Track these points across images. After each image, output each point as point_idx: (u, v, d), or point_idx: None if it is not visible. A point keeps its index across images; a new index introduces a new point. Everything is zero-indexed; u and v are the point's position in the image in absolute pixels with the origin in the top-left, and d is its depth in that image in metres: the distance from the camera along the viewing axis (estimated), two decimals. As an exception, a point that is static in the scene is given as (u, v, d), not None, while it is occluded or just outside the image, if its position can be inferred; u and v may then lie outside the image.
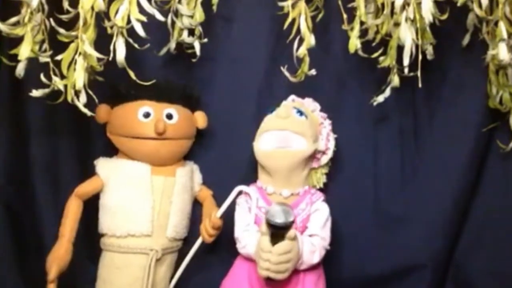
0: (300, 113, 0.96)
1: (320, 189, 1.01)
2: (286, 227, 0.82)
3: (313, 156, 0.97)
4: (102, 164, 1.01)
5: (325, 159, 0.99)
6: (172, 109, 1.01)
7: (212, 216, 0.96)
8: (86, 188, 0.99)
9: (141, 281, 0.96)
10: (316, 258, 0.90)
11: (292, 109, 0.97)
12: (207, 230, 0.97)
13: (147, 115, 0.99)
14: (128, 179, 0.98)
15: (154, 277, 0.97)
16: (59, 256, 0.92)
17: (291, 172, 0.94)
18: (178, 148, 1.03)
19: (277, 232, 0.82)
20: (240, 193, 0.97)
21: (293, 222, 0.83)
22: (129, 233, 0.96)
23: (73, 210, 0.97)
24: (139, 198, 0.98)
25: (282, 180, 0.94)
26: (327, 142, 0.99)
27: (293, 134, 0.93)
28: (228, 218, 0.97)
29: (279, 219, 0.81)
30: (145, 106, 0.99)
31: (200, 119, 1.07)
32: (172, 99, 1.02)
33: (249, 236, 0.92)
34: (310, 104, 1.02)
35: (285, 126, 0.94)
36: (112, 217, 0.98)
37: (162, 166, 1.01)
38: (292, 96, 1.03)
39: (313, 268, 0.92)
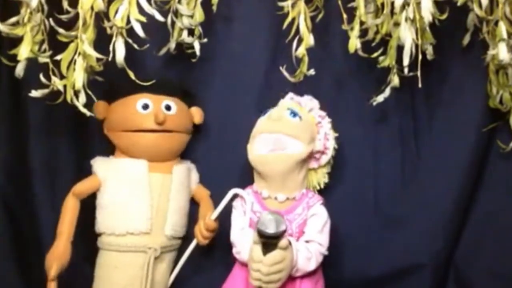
0: (294, 114, 0.93)
1: (320, 190, 1.00)
2: (278, 236, 0.79)
3: (310, 158, 0.96)
4: (99, 163, 1.01)
5: (325, 159, 0.97)
6: (170, 101, 1.02)
7: (207, 218, 0.96)
8: (83, 187, 0.99)
9: (140, 279, 0.95)
10: (312, 265, 0.88)
11: (285, 111, 0.94)
12: (202, 232, 0.97)
13: (146, 106, 0.99)
14: (126, 176, 0.98)
15: (153, 276, 0.97)
16: (58, 255, 0.92)
17: (286, 176, 0.92)
18: (176, 142, 1.04)
19: (269, 242, 0.79)
20: (235, 196, 0.96)
21: (285, 231, 0.79)
22: (127, 231, 0.96)
23: (70, 208, 0.97)
24: (137, 195, 0.97)
25: (277, 185, 0.92)
26: (326, 142, 0.96)
27: (286, 136, 0.91)
28: (226, 220, 0.97)
29: (270, 229, 0.78)
30: (144, 98, 1.00)
31: (197, 114, 1.08)
32: (169, 92, 1.03)
33: (244, 242, 0.90)
34: (307, 103, 0.99)
35: (278, 129, 0.91)
36: (111, 216, 0.97)
37: (160, 162, 1.01)
38: (290, 94, 1.02)
39: (310, 273, 0.89)
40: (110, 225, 0.97)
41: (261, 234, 0.79)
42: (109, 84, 0.97)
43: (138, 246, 0.97)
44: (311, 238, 0.90)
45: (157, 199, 0.99)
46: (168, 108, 1.01)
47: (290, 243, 0.83)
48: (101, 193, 0.99)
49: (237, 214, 0.95)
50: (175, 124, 1.01)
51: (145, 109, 0.99)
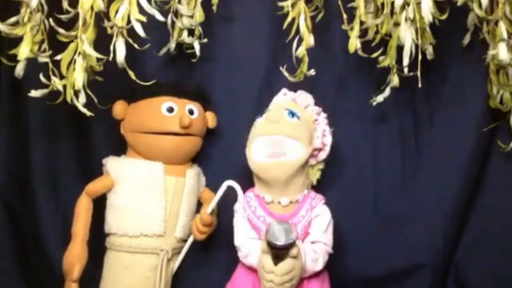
0: (292, 114, 0.92)
1: (320, 190, 1.00)
2: (288, 247, 0.78)
3: (309, 157, 0.94)
4: (113, 163, 1.00)
5: (323, 155, 0.95)
6: (192, 105, 1.03)
7: (202, 212, 0.96)
8: (96, 186, 0.98)
9: (150, 281, 0.96)
10: (319, 265, 0.88)
11: (283, 111, 0.92)
12: (198, 227, 0.97)
13: (171, 109, 0.99)
14: (141, 178, 0.98)
15: (166, 278, 0.97)
16: (78, 255, 0.92)
17: (288, 182, 0.90)
18: (195, 145, 1.04)
19: (279, 252, 0.79)
20: (230, 188, 0.95)
21: (295, 240, 0.78)
22: (142, 232, 0.96)
23: (84, 208, 0.96)
24: (153, 197, 0.97)
25: (280, 190, 0.91)
26: (323, 138, 0.95)
27: (286, 138, 0.90)
28: (224, 216, 0.97)
29: (281, 240, 0.77)
30: (168, 101, 1.00)
31: (211, 118, 1.08)
32: (190, 96, 1.03)
33: (249, 245, 0.90)
34: (303, 100, 0.98)
35: (277, 131, 0.90)
36: (124, 217, 0.97)
37: (175, 165, 1.01)
38: (284, 90, 1.01)
39: (316, 273, 0.89)
40: (123, 226, 0.96)
41: (272, 246, 0.78)
42: (129, 84, 0.95)
43: (150, 248, 0.97)
44: (316, 239, 0.90)
45: (170, 201, 0.99)
46: (191, 112, 1.01)
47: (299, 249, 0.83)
48: (113, 193, 0.98)
49: (239, 217, 0.94)
50: (196, 128, 1.02)
51: (170, 112, 0.99)
